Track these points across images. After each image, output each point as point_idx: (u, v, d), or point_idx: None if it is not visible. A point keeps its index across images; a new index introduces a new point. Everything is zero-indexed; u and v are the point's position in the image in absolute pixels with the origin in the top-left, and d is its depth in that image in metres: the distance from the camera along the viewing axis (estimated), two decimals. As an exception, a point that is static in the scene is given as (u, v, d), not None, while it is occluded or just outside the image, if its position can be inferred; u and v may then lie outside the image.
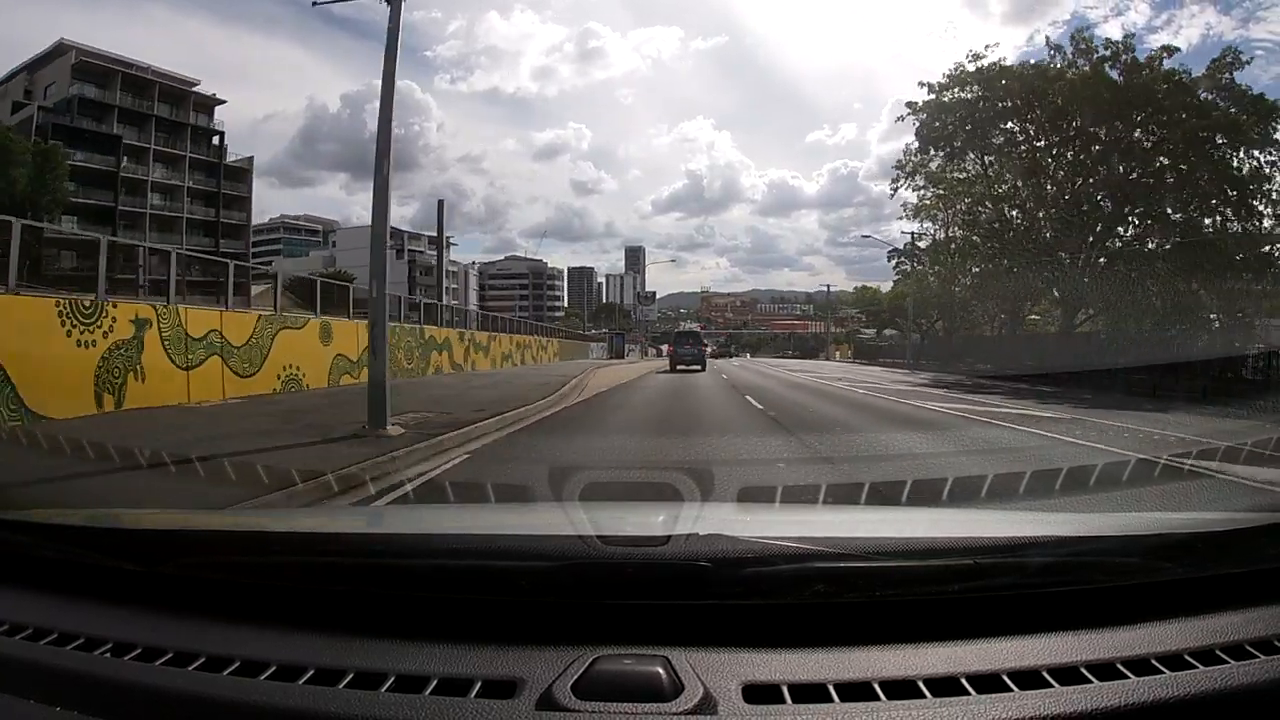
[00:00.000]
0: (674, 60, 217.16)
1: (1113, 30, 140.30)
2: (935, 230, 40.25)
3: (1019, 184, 32.57)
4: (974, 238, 35.19)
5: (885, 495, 5.26)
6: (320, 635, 1.26)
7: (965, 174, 34.53)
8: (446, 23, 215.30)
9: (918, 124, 33.07)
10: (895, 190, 37.05)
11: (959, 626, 1.25)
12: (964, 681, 1.14)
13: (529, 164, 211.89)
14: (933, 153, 33.88)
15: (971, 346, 41.49)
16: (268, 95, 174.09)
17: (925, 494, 5.31)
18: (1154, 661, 1.19)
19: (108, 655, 1.25)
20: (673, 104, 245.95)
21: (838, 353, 79.19)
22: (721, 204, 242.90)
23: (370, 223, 10.39)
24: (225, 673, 1.19)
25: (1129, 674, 1.16)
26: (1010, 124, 31.88)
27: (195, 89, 59.36)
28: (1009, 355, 33.02)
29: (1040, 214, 31.69)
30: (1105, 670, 1.16)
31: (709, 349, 39.84)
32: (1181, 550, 1.49)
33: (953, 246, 37.07)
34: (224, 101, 61.61)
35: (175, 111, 58.05)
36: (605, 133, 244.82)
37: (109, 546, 1.57)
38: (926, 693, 1.12)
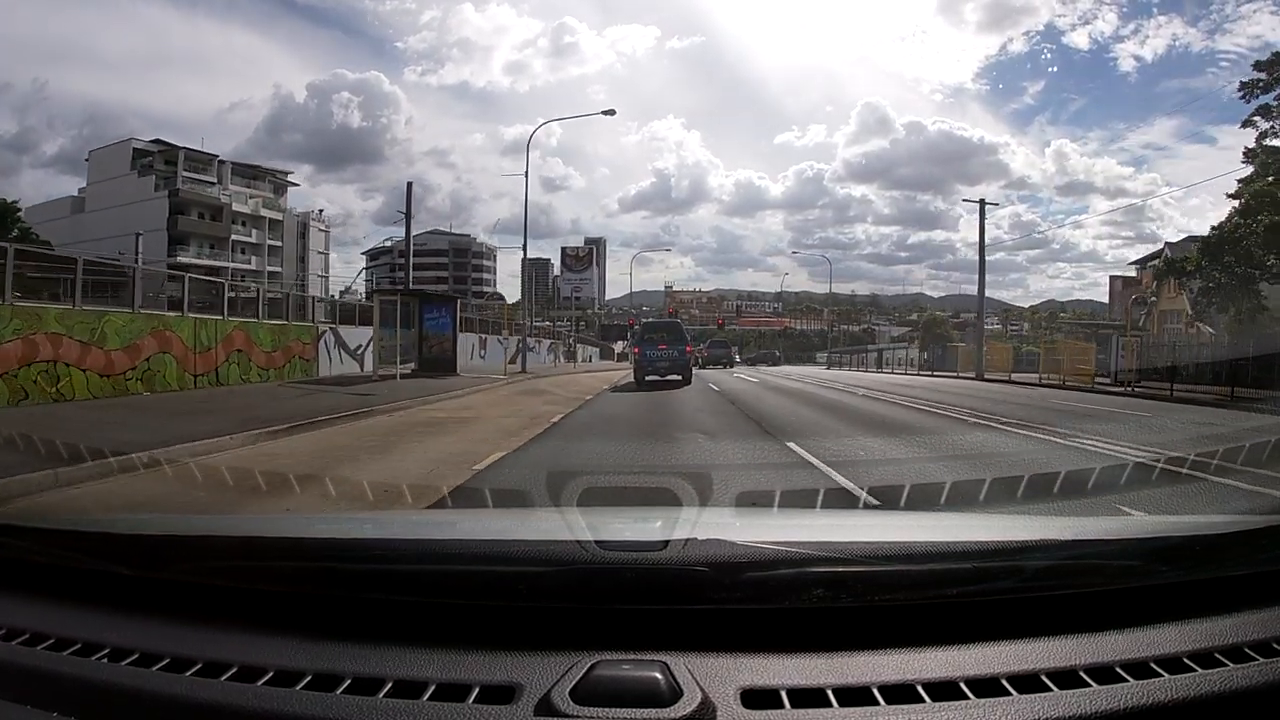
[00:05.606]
0: (649, 59, 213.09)
1: (1080, 39, 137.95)
2: None
3: None
4: None
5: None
6: (317, 641, 1.26)
7: None
8: (420, 13, 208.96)
9: None
10: None
11: (958, 630, 1.25)
12: (963, 685, 1.14)
13: (497, 159, 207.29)
14: None
15: None
16: (231, 85, 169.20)
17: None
18: (1153, 665, 1.19)
19: (104, 660, 1.25)
20: (644, 102, 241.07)
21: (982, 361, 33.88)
22: (688, 203, 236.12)
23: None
24: (221, 678, 1.18)
25: (1128, 677, 1.16)
26: None
27: None
28: None
29: None
30: (1104, 673, 1.16)
31: (693, 351, 26.76)
32: (1180, 554, 1.50)
33: None
34: None
35: None
36: (575, 129, 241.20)
37: (105, 551, 1.56)
38: (925, 697, 1.12)
